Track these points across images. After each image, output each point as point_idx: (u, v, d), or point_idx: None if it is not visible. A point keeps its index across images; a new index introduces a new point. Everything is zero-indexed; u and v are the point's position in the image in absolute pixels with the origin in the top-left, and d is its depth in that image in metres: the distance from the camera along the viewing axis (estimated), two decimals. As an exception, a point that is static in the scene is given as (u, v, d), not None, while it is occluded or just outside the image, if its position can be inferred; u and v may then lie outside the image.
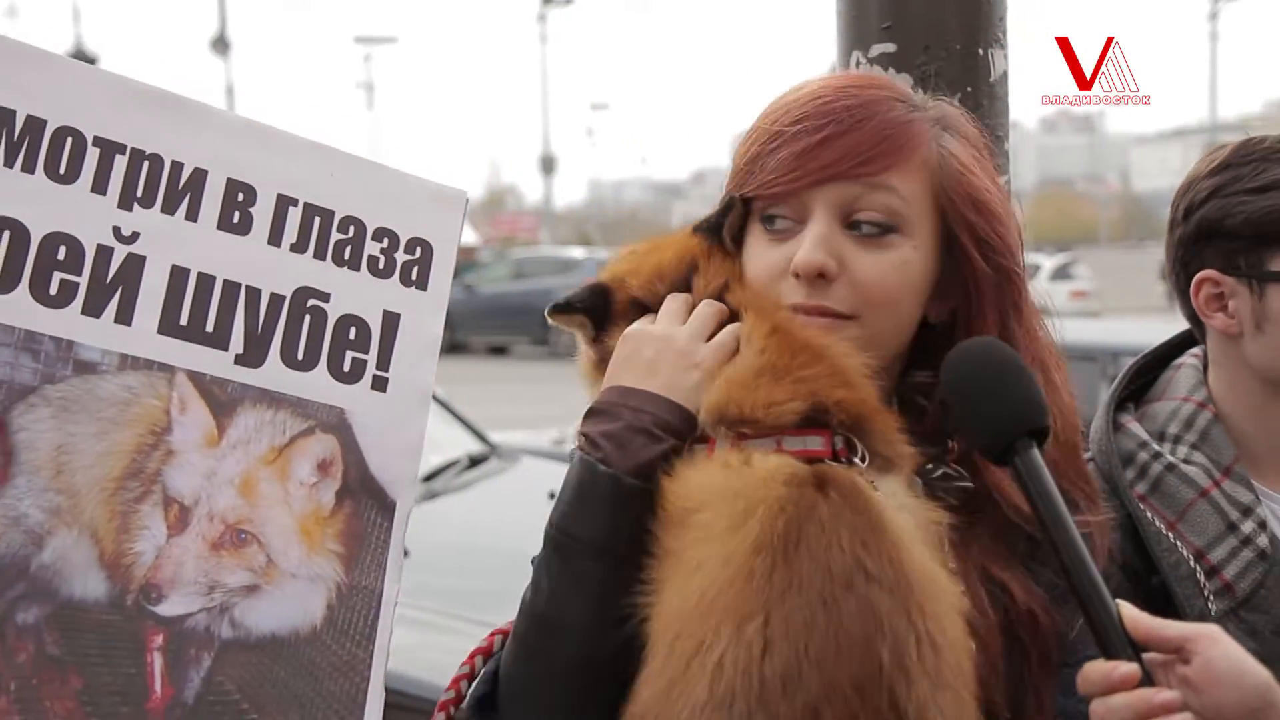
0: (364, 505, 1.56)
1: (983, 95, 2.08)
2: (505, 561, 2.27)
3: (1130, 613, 1.32)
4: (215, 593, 1.47)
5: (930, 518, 1.46)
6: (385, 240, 1.60)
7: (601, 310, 1.62)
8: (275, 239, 1.53)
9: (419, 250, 1.62)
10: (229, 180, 1.51)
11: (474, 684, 1.57)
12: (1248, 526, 1.94)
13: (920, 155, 1.54)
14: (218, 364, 1.49)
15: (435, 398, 5.00)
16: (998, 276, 1.57)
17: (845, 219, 1.52)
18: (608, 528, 1.43)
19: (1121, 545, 1.99)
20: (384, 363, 1.58)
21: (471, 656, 1.61)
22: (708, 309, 1.56)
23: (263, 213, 1.53)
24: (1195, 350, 2.09)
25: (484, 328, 25.57)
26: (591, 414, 1.51)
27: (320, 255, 1.56)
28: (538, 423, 10.93)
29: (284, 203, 1.54)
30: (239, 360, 1.50)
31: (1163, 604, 1.95)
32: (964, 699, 1.38)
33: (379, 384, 1.58)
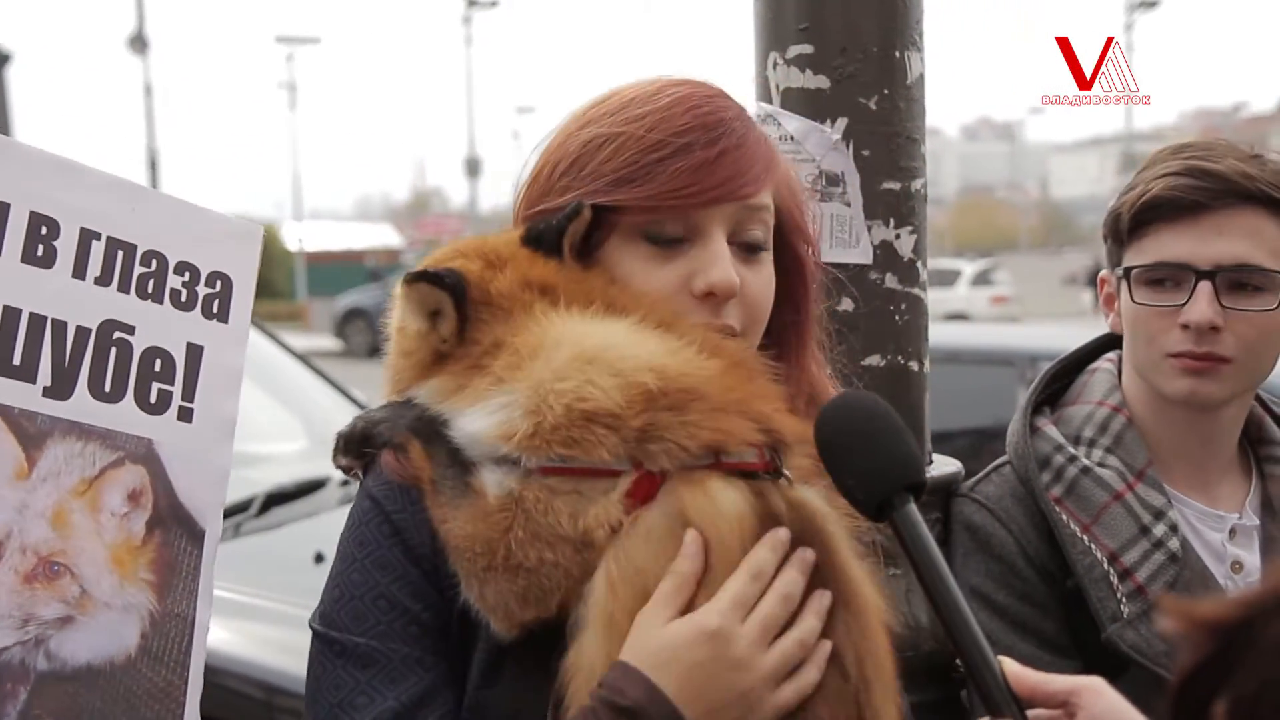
0: (174, 534, 1.57)
1: (899, 98, 2.08)
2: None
3: (1013, 669, 1.30)
4: (30, 625, 1.45)
5: (850, 526, 1.45)
6: (187, 274, 1.61)
7: (461, 298, 1.44)
8: (80, 272, 1.53)
9: (219, 284, 1.63)
10: (31, 214, 1.50)
11: None
12: (1160, 529, 1.95)
13: (779, 170, 1.55)
14: (26, 396, 1.47)
15: (358, 403, 4.95)
16: (815, 286, 1.61)
17: (732, 238, 1.50)
18: None
19: (1037, 548, 2.00)
20: (189, 394, 1.59)
21: None
22: (784, 588, 1.34)
23: (66, 246, 1.52)
24: (1111, 355, 2.11)
25: (408, 331, 25.32)
26: (621, 712, 1.27)
27: (124, 288, 1.56)
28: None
29: (87, 236, 1.54)
30: (47, 392, 1.48)
31: (1077, 606, 1.97)
32: (893, 708, 1.40)
33: (185, 415, 1.59)
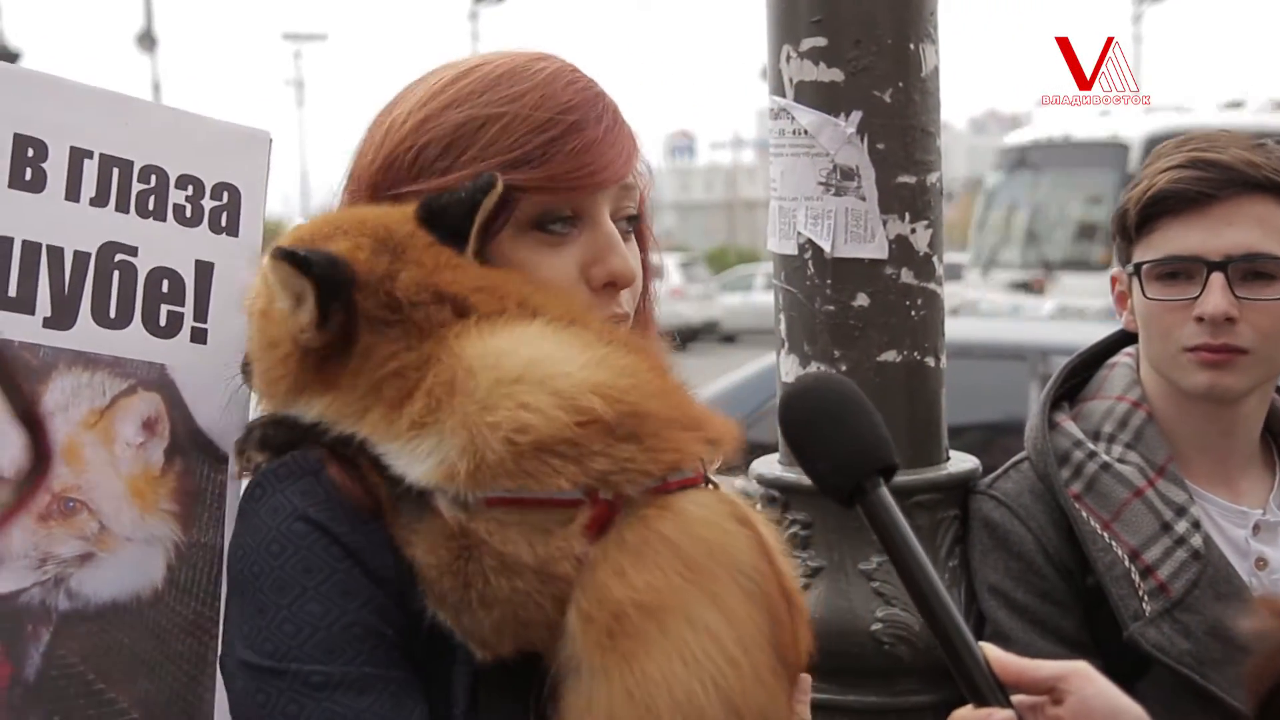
0: (195, 461, 1.49)
1: (914, 90, 2.05)
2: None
3: (996, 655, 1.27)
4: (48, 565, 1.40)
5: (774, 526, 1.37)
6: (190, 187, 1.51)
7: (331, 289, 1.26)
8: (73, 194, 1.44)
9: (226, 195, 1.54)
10: (16, 136, 1.42)
11: None
12: (1181, 526, 1.93)
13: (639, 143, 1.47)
14: (25, 329, 1.41)
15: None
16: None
17: (613, 216, 1.42)
18: None
19: (1057, 545, 1.98)
20: (201, 314, 1.51)
21: None
22: None
23: (56, 167, 1.43)
24: (1130, 349, 2.08)
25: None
26: None
27: (123, 208, 1.47)
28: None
29: (78, 155, 1.45)
30: (48, 323, 1.42)
31: (1098, 604, 1.94)
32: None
33: (198, 336, 1.51)
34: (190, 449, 1.49)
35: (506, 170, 1.34)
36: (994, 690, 1.24)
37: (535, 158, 1.35)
